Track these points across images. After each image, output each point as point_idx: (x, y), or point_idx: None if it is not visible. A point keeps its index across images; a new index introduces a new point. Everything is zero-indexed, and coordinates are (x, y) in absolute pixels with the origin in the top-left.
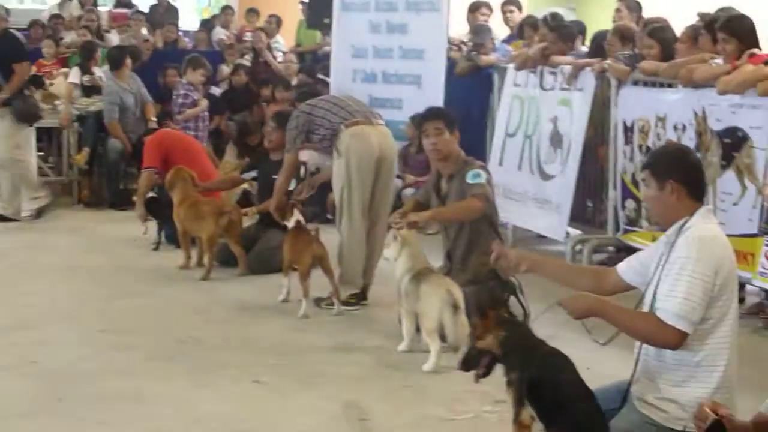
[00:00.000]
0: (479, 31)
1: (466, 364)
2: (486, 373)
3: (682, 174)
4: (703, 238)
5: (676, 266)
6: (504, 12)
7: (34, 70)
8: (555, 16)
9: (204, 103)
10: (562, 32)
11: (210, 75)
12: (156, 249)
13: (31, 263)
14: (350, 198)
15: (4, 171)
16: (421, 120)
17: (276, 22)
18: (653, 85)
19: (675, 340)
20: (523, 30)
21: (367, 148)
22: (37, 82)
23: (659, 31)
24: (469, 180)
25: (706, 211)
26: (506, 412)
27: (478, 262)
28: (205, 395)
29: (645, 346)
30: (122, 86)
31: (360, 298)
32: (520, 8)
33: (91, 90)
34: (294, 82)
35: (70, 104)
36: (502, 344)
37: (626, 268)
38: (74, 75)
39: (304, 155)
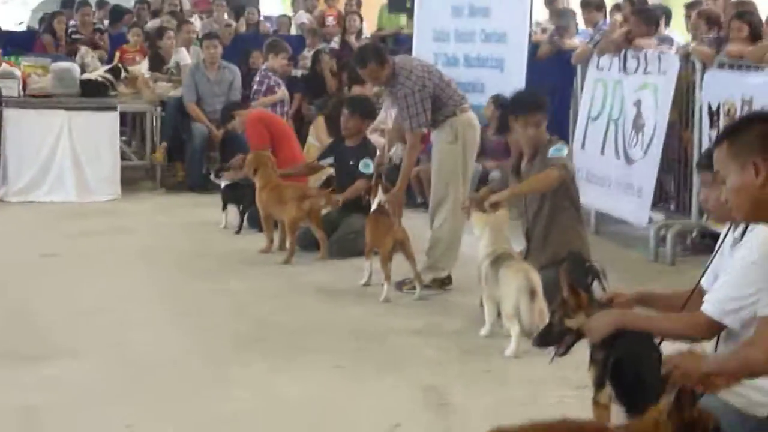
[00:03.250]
0: (562, 15)
1: (544, 339)
2: (564, 353)
3: None
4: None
5: (737, 266)
6: None
7: (117, 56)
8: None
9: (282, 92)
10: (645, 15)
11: (291, 57)
12: (238, 233)
13: (114, 247)
14: (458, 187)
15: None
16: (526, 110)
17: (356, 4)
18: (739, 68)
19: (700, 324)
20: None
21: (476, 137)
22: (115, 71)
23: (748, 13)
24: (550, 154)
25: None
26: (587, 397)
27: (557, 240)
28: (285, 379)
29: (722, 338)
30: (206, 74)
31: (443, 282)
32: None
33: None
34: None
35: (147, 90)
36: None
37: (708, 281)
38: (144, 66)
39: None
